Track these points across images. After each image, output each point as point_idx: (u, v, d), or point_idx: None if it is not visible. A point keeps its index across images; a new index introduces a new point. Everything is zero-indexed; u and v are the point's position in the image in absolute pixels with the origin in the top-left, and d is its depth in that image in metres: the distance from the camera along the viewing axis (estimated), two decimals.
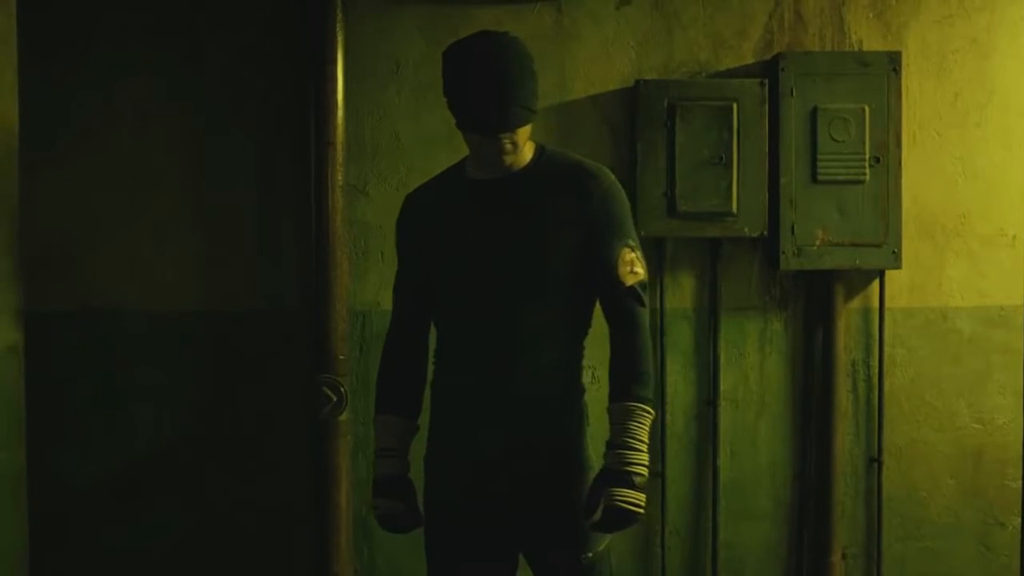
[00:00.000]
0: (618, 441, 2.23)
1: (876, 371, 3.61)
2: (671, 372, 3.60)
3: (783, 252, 3.48)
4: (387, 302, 2.72)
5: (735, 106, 3.45)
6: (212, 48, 3.53)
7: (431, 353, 2.46)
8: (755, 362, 3.63)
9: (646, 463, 2.23)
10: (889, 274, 3.58)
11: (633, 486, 2.19)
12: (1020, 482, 3.61)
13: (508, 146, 2.23)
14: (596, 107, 3.57)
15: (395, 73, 3.54)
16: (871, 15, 3.62)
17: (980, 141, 3.63)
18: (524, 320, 2.26)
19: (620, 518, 2.19)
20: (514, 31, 3.46)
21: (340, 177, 3.42)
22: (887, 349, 3.60)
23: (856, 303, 3.63)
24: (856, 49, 3.59)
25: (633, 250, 2.30)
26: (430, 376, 2.45)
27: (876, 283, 3.61)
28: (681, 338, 3.61)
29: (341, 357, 3.41)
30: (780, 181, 3.48)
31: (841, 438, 3.60)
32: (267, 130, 3.54)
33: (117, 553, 3.55)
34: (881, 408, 3.61)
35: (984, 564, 3.67)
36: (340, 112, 3.42)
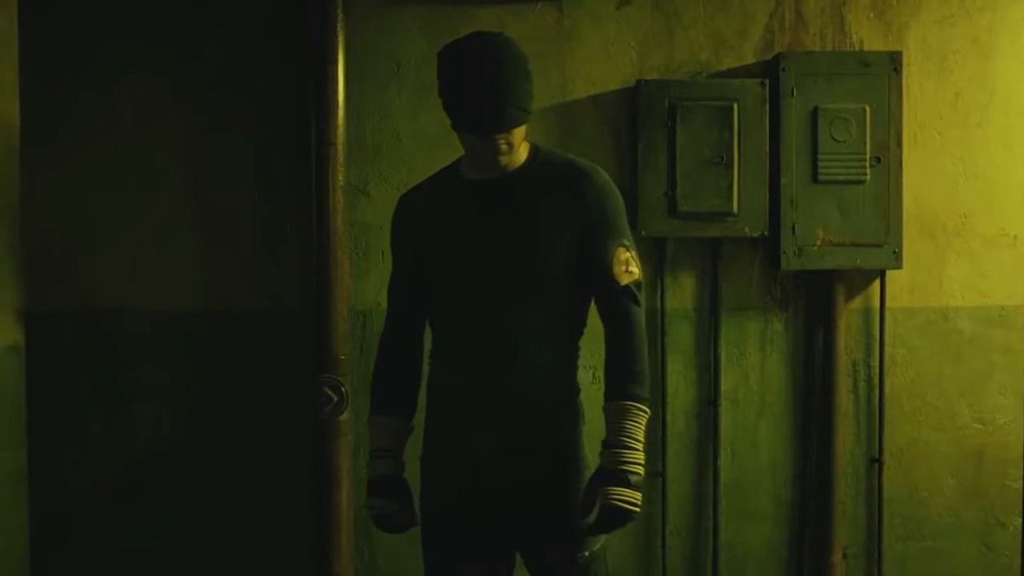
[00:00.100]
0: (614, 440, 2.24)
1: (877, 371, 3.61)
2: (672, 372, 3.60)
3: (784, 252, 3.48)
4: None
5: (736, 106, 3.45)
6: (213, 48, 3.53)
7: (426, 353, 2.46)
8: (756, 362, 3.63)
9: (642, 462, 2.24)
10: (890, 274, 3.58)
11: (629, 485, 2.20)
12: (1021, 482, 3.62)
13: (503, 146, 2.24)
14: (597, 107, 3.57)
15: (396, 73, 3.54)
16: (872, 15, 3.62)
17: (981, 141, 3.63)
18: (519, 320, 2.27)
19: (616, 517, 2.20)
20: (515, 31, 3.49)
21: (341, 177, 3.42)
22: (888, 349, 3.60)
23: (857, 303, 3.63)
24: (857, 49, 3.59)
25: (628, 249, 2.30)
26: (425, 376, 2.45)
27: (877, 283, 3.61)
28: (682, 338, 3.61)
29: (342, 357, 3.41)
30: (781, 181, 3.48)
31: (842, 438, 3.60)
32: (268, 130, 3.54)
33: (118, 553, 3.55)
34: (882, 408, 3.61)
35: (985, 564, 3.67)
36: (341, 112, 3.42)
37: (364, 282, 3.52)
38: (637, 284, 2.30)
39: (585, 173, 2.31)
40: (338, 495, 3.40)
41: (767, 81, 3.48)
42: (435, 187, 2.43)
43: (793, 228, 3.48)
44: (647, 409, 2.27)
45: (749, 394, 3.63)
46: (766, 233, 3.49)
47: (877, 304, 3.60)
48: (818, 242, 3.48)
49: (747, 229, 3.48)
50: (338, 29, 3.41)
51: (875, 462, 3.62)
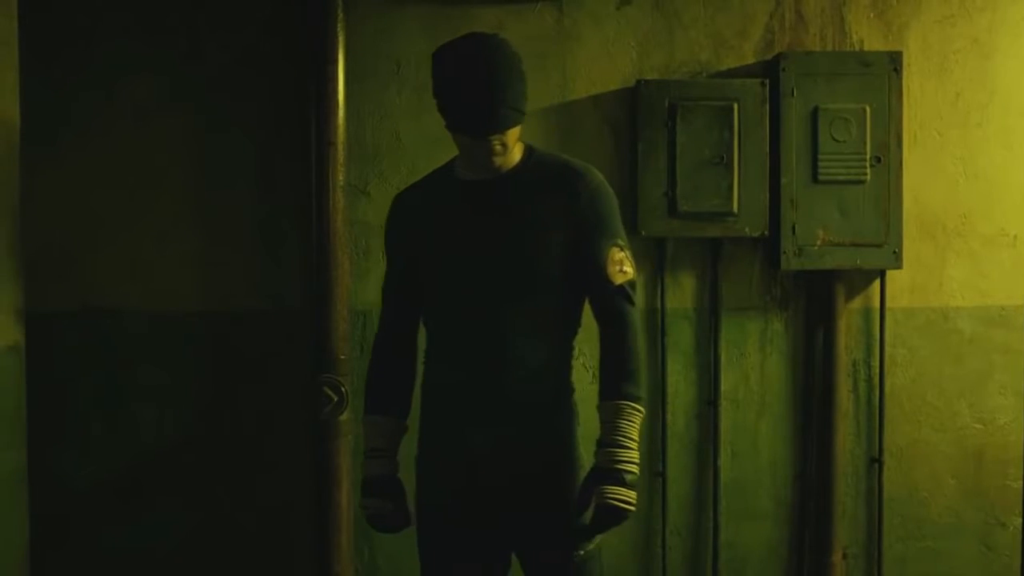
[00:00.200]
0: (608, 439, 2.24)
1: (877, 371, 3.61)
2: (672, 372, 3.60)
3: (784, 252, 3.48)
4: None
5: (736, 106, 3.45)
6: (213, 48, 3.53)
7: (421, 353, 2.46)
8: (756, 362, 3.63)
9: (637, 461, 2.24)
10: (890, 274, 3.58)
11: (624, 484, 2.21)
12: (1021, 482, 3.62)
13: (498, 147, 2.24)
14: (597, 107, 3.57)
15: (396, 73, 3.54)
16: (872, 15, 3.62)
17: (981, 141, 3.63)
18: (514, 320, 2.27)
19: (612, 516, 2.20)
20: (515, 31, 3.51)
21: (341, 177, 3.42)
22: (888, 349, 3.60)
23: (857, 303, 3.63)
24: (857, 49, 3.59)
25: (622, 249, 2.31)
26: (420, 376, 2.45)
27: (877, 283, 3.61)
28: (682, 338, 3.61)
29: (342, 357, 3.41)
30: (781, 181, 3.48)
31: (842, 438, 3.60)
32: (268, 130, 3.54)
33: (118, 553, 3.55)
34: (882, 408, 3.61)
35: (985, 564, 3.67)
36: (341, 112, 3.42)
37: (364, 282, 3.52)
38: (631, 284, 2.31)
39: (579, 173, 2.32)
40: (338, 495, 3.40)
41: (767, 81, 3.48)
42: (429, 187, 2.43)
43: (793, 228, 3.48)
44: (641, 408, 2.28)
45: (749, 394, 3.63)
46: (766, 233, 3.49)
47: (877, 304, 3.60)
48: (818, 242, 3.48)
49: (747, 229, 3.48)
50: (338, 29, 3.41)
51: (875, 462, 3.62)
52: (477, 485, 2.32)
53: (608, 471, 2.21)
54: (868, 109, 3.46)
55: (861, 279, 3.62)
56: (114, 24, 3.52)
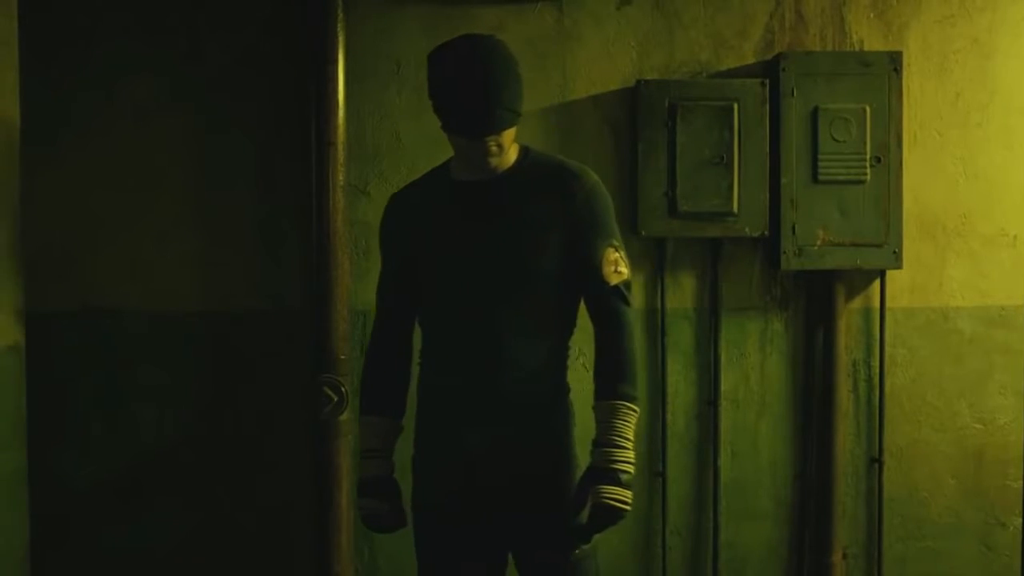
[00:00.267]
0: (604, 439, 2.25)
1: (877, 371, 3.61)
2: (672, 372, 3.60)
3: (784, 252, 3.48)
4: None
5: (736, 106, 3.45)
6: (213, 48, 3.53)
7: (416, 353, 2.46)
8: (756, 362, 3.63)
9: (632, 460, 2.25)
10: (890, 274, 3.58)
11: (620, 483, 2.21)
12: (1021, 482, 3.62)
13: (494, 148, 2.25)
14: (597, 107, 3.57)
15: (396, 73, 3.54)
16: (872, 15, 3.62)
17: (981, 141, 3.63)
18: (509, 320, 2.28)
19: (608, 515, 2.21)
20: (515, 31, 3.52)
21: (341, 177, 3.42)
22: (888, 349, 3.60)
23: (857, 303, 3.63)
24: (857, 49, 3.59)
25: (617, 250, 2.31)
26: (416, 377, 2.46)
27: (877, 283, 3.61)
28: (682, 338, 3.61)
29: (342, 357, 3.41)
30: (781, 181, 3.48)
31: (842, 438, 3.60)
32: (268, 130, 3.54)
33: (118, 553, 3.55)
34: (882, 408, 3.61)
35: (985, 564, 3.67)
36: (341, 112, 3.42)
37: (364, 282, 3.52)
38: (626, 284, 2.32)
39: (575, 174, 2.32)
40: (338, 495, 3.40)
41: (767, 81, 3.48)
42: (425, 188, 2.44)
43: (793, 228, 3.48)
44: (637, 408, 2.29)
45: (749, 394, 3.63)
46: (766, 233, 3.49)
47: (877, 304, 3.60)
48: (818, 242, 3.48)
49: (747, 229, 3.48)
50: (338, 29, 3.41)
51: (875, 462, 3.62)
52: (473, 485, 2.32)
53: (604, 471, 2.22)
54: (868, 109, 3.46)
55: (861, 279, 3.62)
56: (114, 24, 3.52)
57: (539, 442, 2.32)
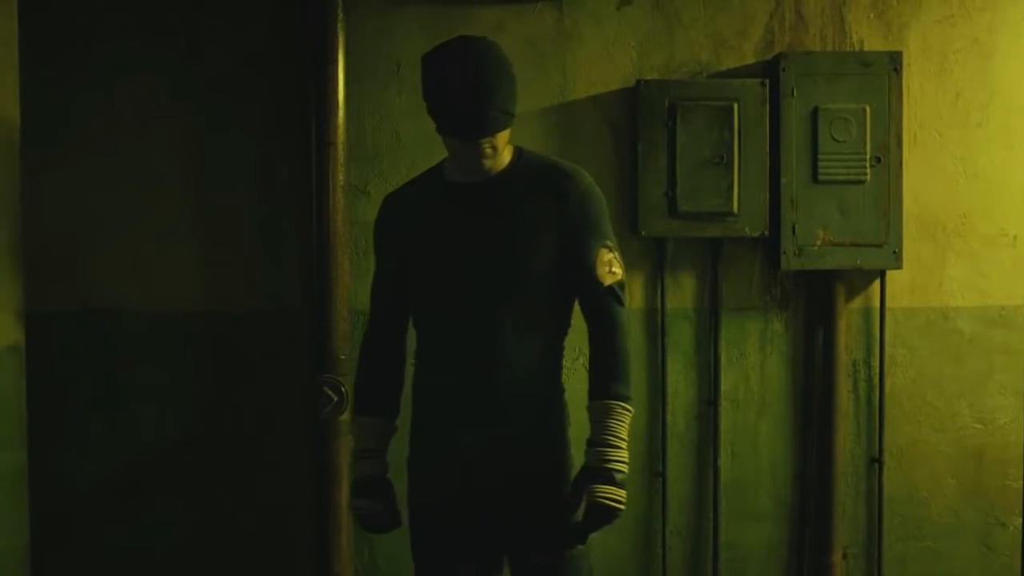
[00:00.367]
0: (598, 439, 2.26)
1: (877, 371, 3.61)
2: (672, 372, 3.60)
3: (784, 252, 3.48)
4: None
5: (736, 106, 3.45)
6: (213, 48, 3.53)
7: (410, 354, 2.47)
8: (756, 362, 3.63)
9: (626, 460, 2.26)
10: (890, 274, 3.58)
11: (614, 482, 2.22)
12: (1021, 482, 3.62)
13: (488, 150, 2.25)
14: (597, 107, 3.57)
15: (396, 73, 3.54)
16: (872, 15, 3.62)
17: (981, 141, 3.63)
18: (504, 321, 2.28)
19: (602, 514, 2.22)
20: (515, 31, 3.52)
21: (341, 177, 3.42)
22: (888, 349, 3.60)
23: (857, 303, 3.63)
24: (857, 49, 3.59)
25: (611, 250, 2.32)
26: (410, 378, 2.46)
27: (877, 283, 3.61)
28: (682, 338, 3.61)
29: (342, 357, 3.41)
30: (781, 181, 3.48)
31: (842, 438, 3.60)
32: (268, 130, 3.54)
33: (118, 553, 3.55)
34: (882, 408, 3.61)
35: (985, 564, 3.67)
36: (341, 112, 3.42)
37: (364, 282, 3.50)
38: (620, 284, 2.33)
39: (568, 175, 2.33)
40: (338, 495, 3.40)
41: (767, 81, 3.48)
42: (419, 189, 2.45)
43: (793, 228, 3.48)
44: (630, 408, 2.29)
45: (749, 394, 3.63)
46: (766, 233, 3.49)
47: (877, 304, 3.60)
48: (818, 242, 3.48)
49: (747, 229, 3.48)
50: (338, 29, 3.41)
51: (875, 462, 3.62)
52: (468, 486, 2.33)
53: (598, 470, 2.23)
54: (868, 109, 3.46)
55: (861, 279, 3.62)
56: (114, 24, 3.52)
57: (534, 442, 2.32)
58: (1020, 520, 3.60)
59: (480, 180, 2.31)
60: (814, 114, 3.46)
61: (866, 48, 3.59)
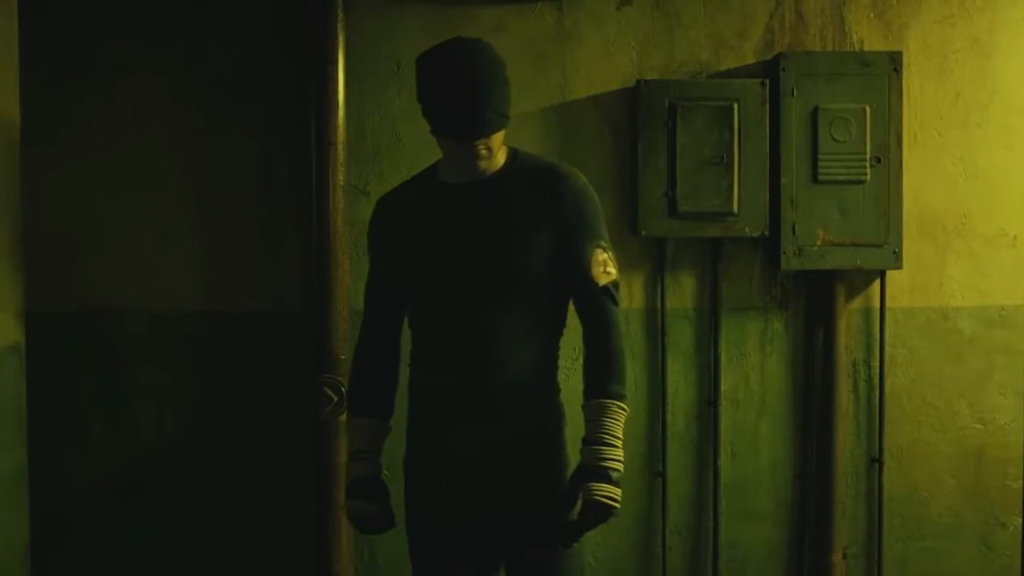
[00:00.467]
0: (593, 437, 2.26)
1: (877, 371, 3.61)
2: (672, 372, 3.60)
3: (784, 252, 3.48)
4: None
5: (736, 106, 3.45)
6: (213, 48, 3.53)
7: (405, 355, 2.47)
8: (756, 362, 3.63)
9: (621, 458, 2.26)
10: (890, 274, 3.58)
11: (610, 481, 2.22)
12: (1021, 482, 3.62)
13: (483, 152, 2.26)
14: (597, 107, 3.57)
15: (396, 73, 3.54)
16: (872, 15, 3.62)
17: (981, 141, 3.63)
18: (499, 321, 2.28)
19: (598, 512, 2.22)
20: (515, 31, 3.52)
21: (341, 177, 3.42)
22: (888, 349, 3.60)
23: (857, 303, 3.63)
24: (857, 49, 3.59)
25: (605, 250, 2.33)
26: (406, 378, 2.46)
27: (877, 283, 3.61)
28: (682, 338, 3.61)
29: (342, 357, 3.41)
30: (781, 181, 3.48)
31: (842, 438, 3.60)
32: (268, 130, 3.54)
33: (118, 553, 3.55)
34: (882, 408, 3.61)
35: (985, 564, 3.67)
36: (341, 112, 3.42)
37: (364, 282, 3.47)
38: (615, 284, 2.34)
39: (563, 176, 2.33)
40: (338, 495, 3.40)
41: (767, 81, 3.48)
42: (413, 190, 2.45)
43: (793, 228, 3.48)
44: (626, 407, 2.30)
45: (749, 394, 3.63)
46: (766, 233, 3.49)
47: (877, 304, 3.60)
48: (818, 242, 3.48)
49: (747, 229, 3.48)
50: (338, 29, 3.41)
51: (875, 462, 3.62)
52: (464, 486, 2.33)
53: (594, 468, 2.23)
54: (868, 109, 3.46)
55: (861, 279, 3.62)
56: (114, 24, 3.52)
57: (530, 442, 2.33)
58: (1020, 520, 3.60)
59: (474, 181, 2.32)
60: (814, 114, 3.46)
61: (866, 48, 3.59)
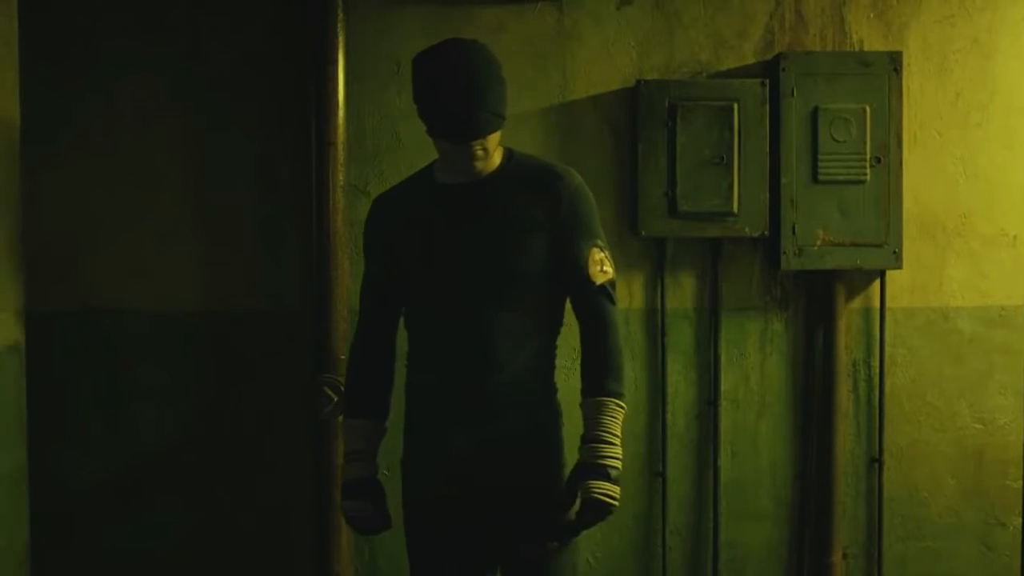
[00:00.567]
0: (592, 435, 2.27)
1: (877, 371, 3.61)
2: (672, 372, 3.60)
3: (784, 252, 3.48)
4: None
5: (736, 106, 3.45)
6: (213, 48, 3.53)
7: (402, 356, 2.47)
8: (756, 362, 3.63)
9: (620, 456, 2.27)
10: (890, 274, 3.58)
11: (609, 478, 2.23)
12: (1021, 482, 3.62)
13: (479, 152, 2.27)
14: (597, 107, 3.57)
15: (396, 73, 3.54)
16: (872, 15, 3.62)
17: (981, 141, 3.63)
18: (496, 321, 2.29)
19: (597, 510, 2.23)
20: (515, 31, 3.52)
21: (341, 177, 3.42)
22: (888, 349, 3.60)
23: (857, 303, 3.63)
24: (857, 49, 3.59)
25: (602, 250, 2.34)
26: (403, 378, 2.46)
27: (877, 283, 3.61)
28: (682, 338, 3.61)
29: (342, 357, 3.41)
30: (781, 181, 3.48)
31: (842, 438, 3.60)
32: (268, 130, 3.54)
33: (118, 553, 3.55)
34: (882, 408, 3.61)
35: (985, 564, 3.67)
36: (341, 112, 3.42)
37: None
38: (612, 283, 2.35)
39: (559, 176, 2.34)
40: (338, 495, 3.37)
41: (767, 81, 3.48)
42: (409, 190, 2.46)
43: (793, 228, 3.48)
44: (624, 405, 2.30)
45: (749, 394, 3.63)
46: (766, 233, 3.49)
47: (877, 304, 3.60)
48: (818, 242, 3.48)
49: (747, 229, 3.48)
50: (338, 29, 3.41)
51: (875, 462, 3.62)
52: (461, 485, 2.33)
53: (593, 466, 2.24)
54: (868, 109, 3.46)
55: (861, 279, 3.62)
56: (114, 24, 3.52)
57: (527, 442, 2.33)
58: (1020, 520, 3.60)
59: (470, 181, 2.32)
60: (814, 114, 3.46)
61: (866, 48, 3.59)
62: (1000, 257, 3.65)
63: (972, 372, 3.65)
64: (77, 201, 3.52)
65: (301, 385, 3.48)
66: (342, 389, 3.37)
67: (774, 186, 3.49)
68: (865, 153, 3.46)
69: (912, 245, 3.58)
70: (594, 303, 2.33)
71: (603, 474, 2.23)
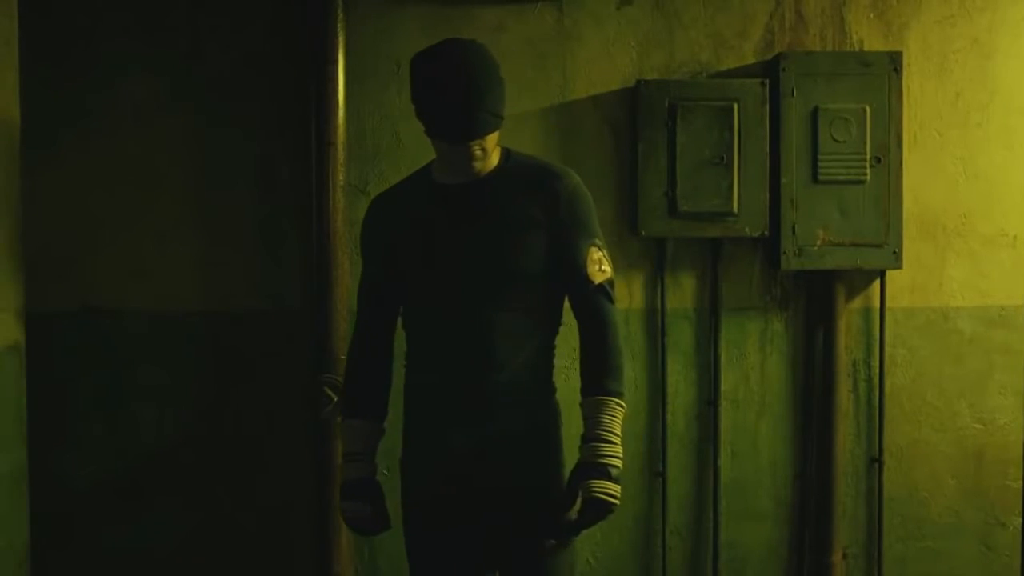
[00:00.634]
0: (592, 434, 2.27)
1: (877, 371, 3.61)
2: (672, 372, 3.60)
3: (784, 252, 3.48)
4: None
5: (736, 106, 3.45)
6: (213, 48, 3.53)
7: (400, 356, 2.47)
8: (756, 362, 3.63)
9: (620, 455, 2.27)
10: (890, 274, 3.58)
11: (609, 477, 2.24)
12: (1021, 482, 3.62)
13: (477, 152, 2.27)
14: (597, 107, 3.57)
15: (396, 73, 3.54)
16: (872, 15, 3.62)
17: (981, 141, 3.63)
18: (494, 321, 2.29)
19: (598, 509, 2.23)
20: (515, 31, 3.52)
21: (341, 177, 3.42)
22: (888, 349, 3.60)
23: (857, 303, 3.63)
24: (857, 49, 3.59)
25: (600, 249, 2.34)
26: (402, 379, 2.46)
27: (877, 283, 3.61)
28: (682, 338, 3.61)
29: (342, 357, 3.40)
30: (781, 181, 3.48)
31: (842, 438, 3.60)
32: (268, 130, 3.54)
33: (118, 553, 3.55)
34: (882, 408, 3.61)
35: (985, 564, 3.67)
36: (341, 112, 3.42)
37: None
38: (610, 282, 2.35)
39: (557, 175, 2.34)
40: (338, 495, 3.39)
41: (767, 81, 3.48)
42: (407, 191, 2.46)
43: (793, 228, 3.48)
44: (623, 404, 2.31)
45: (749, 394, 3.63)
46: (766, 233, 3.49)
47: (877, 304, 3.60)
48: (818, 242, 3.48)
49: (747, 229, 3.48)
50: (338, 29, 3.41)
51: (875, 462, 3.62)
52: (461, 485, 2.34)
53: (593, 465, 2.24)
54: (868, 109, 3.46)
55: (861, 279, 3.62)
56: (114, 24, 3.52)
57: (526, 442, 2.33)
58: (1020, 520, 3.60)
59: (468, 181, 2.33)
60: (814, 114, 3.46)
61: (866, 48, 3.59)
62: (1000, 257, 3.65)
63: (972, 372, 3.65)
64: (77, 201, 3.52)
65: (301, 385, 3.48)
66: (342, 389, 3.37)
67: (774, 186, 3.49)
68: (865, 153, 3.46)
69: (912, 245, 3.58)
70: (593, 302, 2.33)
71: (604, 473, 2.23)
